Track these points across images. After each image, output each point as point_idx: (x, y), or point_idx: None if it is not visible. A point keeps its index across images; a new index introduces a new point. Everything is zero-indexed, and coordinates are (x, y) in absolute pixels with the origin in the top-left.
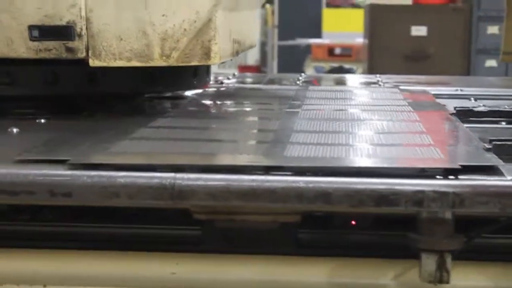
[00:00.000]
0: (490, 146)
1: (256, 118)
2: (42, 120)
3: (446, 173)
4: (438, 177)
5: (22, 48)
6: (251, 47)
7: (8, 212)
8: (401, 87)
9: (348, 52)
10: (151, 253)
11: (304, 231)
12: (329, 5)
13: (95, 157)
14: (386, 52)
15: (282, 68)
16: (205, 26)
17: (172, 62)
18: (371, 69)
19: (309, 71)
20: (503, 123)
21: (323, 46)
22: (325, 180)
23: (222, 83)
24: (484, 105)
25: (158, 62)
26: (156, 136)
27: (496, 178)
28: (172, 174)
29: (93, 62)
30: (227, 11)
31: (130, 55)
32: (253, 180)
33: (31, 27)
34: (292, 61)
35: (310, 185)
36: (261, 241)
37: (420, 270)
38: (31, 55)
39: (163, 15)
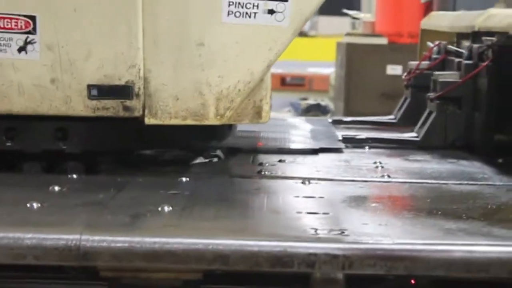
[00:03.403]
0: (341, 139)
1: None
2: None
3: (311, 152)
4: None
5: (80, 106)
6: None
7: None
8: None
9: (301, 82)
10: None
11: (207, 287)
12: None
13: None
14: (363, 90)
15: None
16: (257, 87)
17: (225, 121)
18: (347, 106)
19: None
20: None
21: (276, 76)
22: (223, 242)
23: None
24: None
25: (212, 121)
26: None
27: (383, 241)
28: (77, 236)
29: (149, 120)
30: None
31: (185, 114)
32: (155, 243)
33: (90, 86)
34: None
35: (209, 247)
36: None
37: None
38: (88, 113)
39: (219, 76)
